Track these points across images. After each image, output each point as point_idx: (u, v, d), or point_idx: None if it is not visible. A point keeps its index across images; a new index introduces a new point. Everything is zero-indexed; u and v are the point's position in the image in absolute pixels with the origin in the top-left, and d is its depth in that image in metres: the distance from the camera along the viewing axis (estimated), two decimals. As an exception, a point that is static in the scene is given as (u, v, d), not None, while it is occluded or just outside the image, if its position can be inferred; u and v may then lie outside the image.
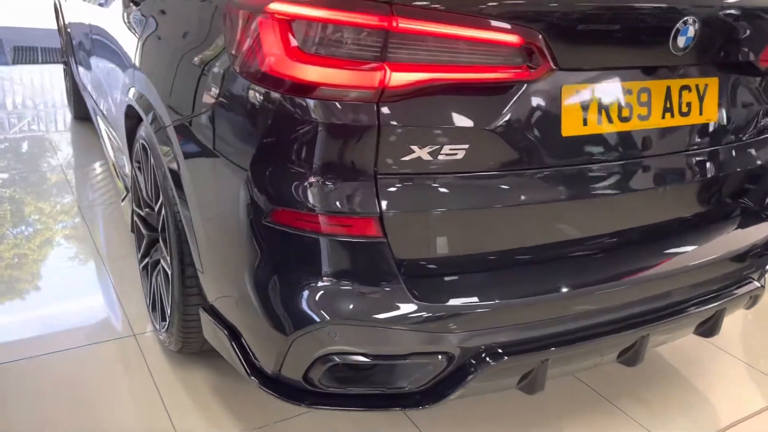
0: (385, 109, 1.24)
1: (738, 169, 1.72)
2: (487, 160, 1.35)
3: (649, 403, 1.97)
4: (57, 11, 4.44)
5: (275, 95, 1.27)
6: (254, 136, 1.32)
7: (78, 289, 2.46)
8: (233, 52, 1.35)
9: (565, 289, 1.43)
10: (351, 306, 1.31)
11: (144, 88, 1.86)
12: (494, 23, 1.24)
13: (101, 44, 2.67)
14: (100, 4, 2.66)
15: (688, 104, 1.56)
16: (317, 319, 1.31)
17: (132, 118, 2.09)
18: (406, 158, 1.29)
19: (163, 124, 1.68)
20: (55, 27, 4.69)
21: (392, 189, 1.30)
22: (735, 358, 2.24)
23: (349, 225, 1.31)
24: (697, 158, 1.62)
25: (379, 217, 1.30)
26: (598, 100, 1.42)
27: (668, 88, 1.52)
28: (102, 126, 3.20)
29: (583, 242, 1.52)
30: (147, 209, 2.05)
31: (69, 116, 4.75)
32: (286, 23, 1.24)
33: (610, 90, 1.43)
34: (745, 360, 2.24)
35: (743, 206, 1.81)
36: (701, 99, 1.58)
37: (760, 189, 1.81)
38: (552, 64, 1.31)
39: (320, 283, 1.31)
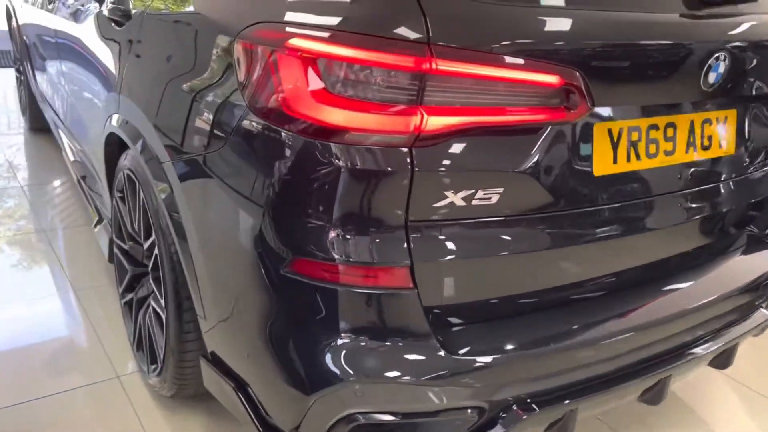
0: (418, 154, 1.16)
1: (752, 200, 1.70)
2: (520, 203, 1.27)
3: (653, 429, 1.95)
4: (9, 13, 4.17)
5: (299, 138, 1.16)
6: (275, 181, 1.21)
7: (47, 323, 2.26)
8: (249, 89, 1.23)
9: (599, 334, 1.37)
10: (379, 362, 1.22)
11: (131, 115, 1.72)
12: (534, 63, 1.17)
13: (70, 60, 2.49)
14: (67, 17, 2.47)
15: (710, 137, 1.53)
16: (342, 378, 1.21)
17: (113, 145, 1.94)
18: (439, 204, 1.20)
19: (157, 158, 1.55)
20: (6, 29, 4.42)
21: (424, 236, 1.21)
22: (735, 381, 2.24)
23: (377, 275, 1.21)
24: (716, 191, 1.59)
25: (410, 267, 1.21)
26: (627, 137, 1.37)
27: (692, 122, 1.48)
28: (66, 142, 3.01)
29: (610, 283, 1.47)
30: (131, 243, 1.90)
31: (24, 126, 4.50)
32: (310, 61, 1.14)
33: (639, 126, 1.39)
34: (744, 382, 2.24)
35: (751, 234, 1.80)
36: (721, 131, 1.55)
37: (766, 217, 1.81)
38: (589, 103, 1.25)
39: (346, 339, 1.22)
